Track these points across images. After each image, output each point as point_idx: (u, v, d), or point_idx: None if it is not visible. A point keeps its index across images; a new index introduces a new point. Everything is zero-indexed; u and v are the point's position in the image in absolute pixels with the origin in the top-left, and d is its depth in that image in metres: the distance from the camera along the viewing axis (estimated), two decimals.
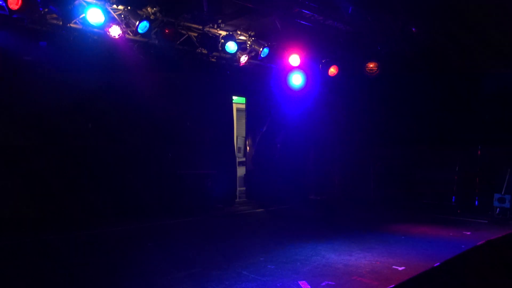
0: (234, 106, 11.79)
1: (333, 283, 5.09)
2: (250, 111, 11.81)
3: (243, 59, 9.62)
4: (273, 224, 9.00)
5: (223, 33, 9.17)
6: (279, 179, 11.48)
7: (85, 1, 7.28)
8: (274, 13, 9.06)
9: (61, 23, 7.34)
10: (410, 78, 11.43)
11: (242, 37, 9.52)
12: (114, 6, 7.73)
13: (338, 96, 12.18)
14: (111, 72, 8.43)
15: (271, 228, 8.49)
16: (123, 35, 7.94)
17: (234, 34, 9.27)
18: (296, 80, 10.78)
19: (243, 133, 12.13)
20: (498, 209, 9.50)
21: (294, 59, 10.20)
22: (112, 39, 7.88)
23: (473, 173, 10.72)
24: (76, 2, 7.13)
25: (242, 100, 11.89)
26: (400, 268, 5.72)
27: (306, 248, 6.68)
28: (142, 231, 7.94)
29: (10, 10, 6.47)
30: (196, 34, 9.00)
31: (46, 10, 7.07)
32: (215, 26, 9.06)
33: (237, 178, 11.40)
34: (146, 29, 7.93)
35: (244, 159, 12.01)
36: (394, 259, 6.14)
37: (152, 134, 9.32)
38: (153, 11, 8.09)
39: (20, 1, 6.40)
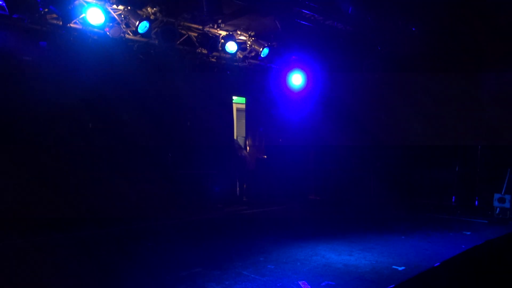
0: (234, 106, 11.79)
1: (333, 283, 5.09)
2: (250, 111, 11.81)
3: (243, 59, 9.63)
4: (273, 224, 8.99)
5: (223, 33, 9.17)
6: (279, 179, 11.47)
7: (85, 1, 7.28)
8: (274, 13, 9.06)
9: (61, 23, 7.34)
10: (410, 78, 11.43)
11: (242, 37, 9.52)
12: (114, 6, 7.74)
13: (338, 96, 12.17)
14: (111, 72, 8.42)
15: (271, 228, 8.48)
16: (123, 35, 7.95)
17: (234, 34, 9.28)
18: (296, 80, 10.83)
19: (243, 133, 12.13)
20: (498, 209, 9.48)
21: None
22: (112, 39, 7.88)
23: (473, 173, 10.71)
24: (76, 2, 7.14)
25: (242, 100, 11.89)
26: (400, 268, 5.72)
27: (306, 248, 6.67)
28: (142, 231, 7.94)
29: (10, 9, 6.46)
30: (196, 34, 9.00)
31: (46, 10, 7.08)
32: (215, 26, 9.06)
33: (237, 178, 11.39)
34: (146, 29, 7.94)
35: None
36: (394, 259, 6.14)
37: (152, 134, 9.32)
38: (153, 11, 8.10)
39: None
